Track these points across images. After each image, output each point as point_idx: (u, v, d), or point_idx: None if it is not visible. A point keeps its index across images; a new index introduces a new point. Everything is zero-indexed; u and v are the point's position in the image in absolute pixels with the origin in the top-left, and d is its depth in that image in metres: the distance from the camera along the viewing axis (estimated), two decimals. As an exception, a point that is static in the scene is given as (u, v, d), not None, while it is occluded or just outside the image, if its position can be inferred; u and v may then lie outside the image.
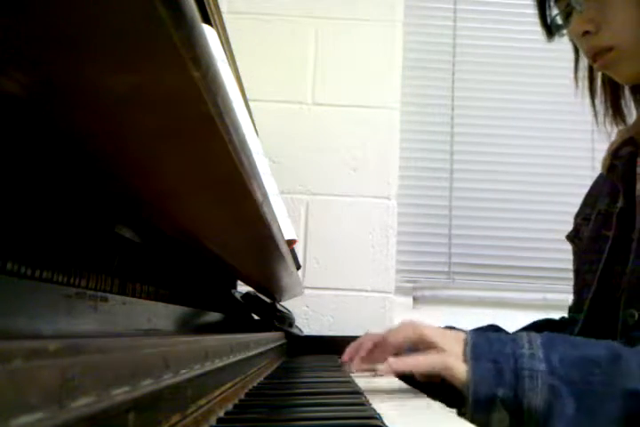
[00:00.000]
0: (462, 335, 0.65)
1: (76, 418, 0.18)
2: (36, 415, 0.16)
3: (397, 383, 0.72)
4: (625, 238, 0.81)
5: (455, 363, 0.62)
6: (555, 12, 0.85)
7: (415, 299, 1.63)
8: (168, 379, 0.30)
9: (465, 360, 0.62)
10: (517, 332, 0.73)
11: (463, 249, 1.66)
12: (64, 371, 0.18)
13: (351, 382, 0.67)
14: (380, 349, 0.69)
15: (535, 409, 0.59)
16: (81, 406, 0.19)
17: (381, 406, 0.48)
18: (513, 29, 1.71)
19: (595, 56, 0.81)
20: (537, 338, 0.64)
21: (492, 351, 0.62)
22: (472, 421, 0.47)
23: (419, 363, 0.63)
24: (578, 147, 1.66)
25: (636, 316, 0.75)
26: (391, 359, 0.63)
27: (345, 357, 0.82)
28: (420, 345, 0.65)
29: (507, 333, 0.82)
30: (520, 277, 1.65)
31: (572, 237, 0.96)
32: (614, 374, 0.59)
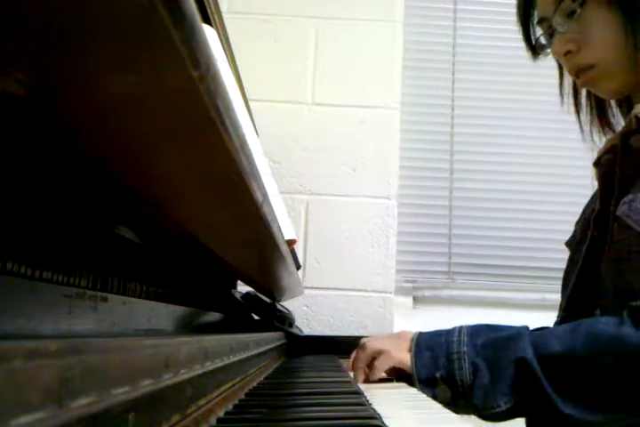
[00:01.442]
0: (411, 334, 0.84)
1: (76, 418, 0.18)
2: (36, 415, 0.16)
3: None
4: (603, 240, 0.84)
5: (402, 355, 0.80)
6: (538, 32, 0.90)
7: (415, 299, 1.63)
8: (168, 379, 0.30)
9: (410, 351, 0.80)
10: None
11: (463, 249, 1.66)
12: (64, 371, 0.18)
13: (351, 382, 0.67)
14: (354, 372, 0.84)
15: (465, 382, 0.76)
16: (81, 406, 0.19)
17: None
18: (513, 29, 1.71)
19: (577, 73, 0.85)
20: (465, 328, 0.81)
21: (430, 343, 0.81)
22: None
23: (377, 369, 0.81)
24: (578, 147, 1.66)
25: (598, 315, 0.79)
26: (360, 380, 0.81)
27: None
28: (375, 355, 0.82)
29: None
30: (520, 277, 1.65)
31: (570, 243, 0.98)
32: (511, 348, 0.75)
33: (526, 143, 1.70)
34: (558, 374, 0.72)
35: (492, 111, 1.73)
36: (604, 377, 0.70)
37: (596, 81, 0.84)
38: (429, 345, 0.80)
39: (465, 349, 0.78)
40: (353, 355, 0.89)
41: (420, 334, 0.83)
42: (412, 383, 0.78)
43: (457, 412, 0.73)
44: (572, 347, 0.72)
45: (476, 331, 0.81)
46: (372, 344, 0.84)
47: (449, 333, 0.81)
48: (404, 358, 0.80)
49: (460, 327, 0.82)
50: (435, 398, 0.74)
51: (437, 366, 0.78)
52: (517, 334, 0.77)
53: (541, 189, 1.68)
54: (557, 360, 0.73)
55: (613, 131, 0.94)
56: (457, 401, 0.77)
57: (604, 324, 0.73)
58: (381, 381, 0.82)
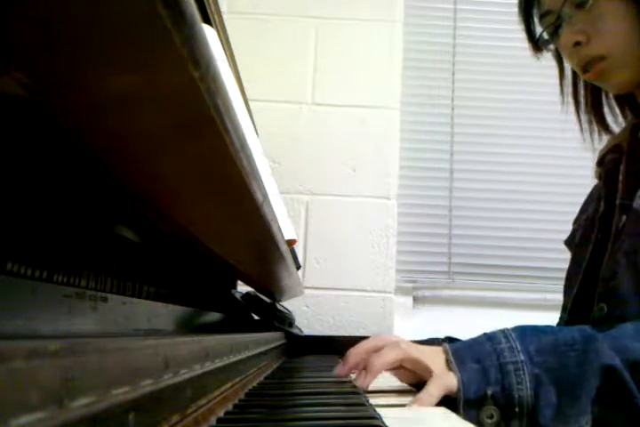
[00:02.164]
0: (439, 347, 0.67)
1: (76, 418, 0.18)
2: (36, 415, 0.16)
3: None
4: (607, 241, 0.83)
5: (442, 375, 0.63)
6: (539, 28, 0.88)
7: (415, 299, 1.63)
8: (168, 379, 0.30)
9: (449, 368, 0.64)
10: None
11: (463, 249, 1.66)
12: (64, 371, 0.18)
13: (351, 382, 0.67)
14: (365, 369, 0.66)
15: (524, 401, 0.61)
16: (81, 406, 0.19)
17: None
18: (513, 29, 1.71)
19: (586, 66, 0.83)
20: (511, 332, 0.67)
21: (473, 352, 0.65)
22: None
23: (429, 400, 0.61)
24: (578, 147, 1.66)
25: (605, 309, 0.77)
26: (369, 380, 0.64)
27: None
28: (404, 364, 0.66)
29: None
30: (520, 277, 1.65)
31: (569, 241, 0.97)
32: (588, 353, 0.62)
33: (526, 143, 1.70)
34: None
35: (492, 111, 1.73)
36: None
37: (605, 74, 0.82)
38: (474, 355, 0.64)
39: (522, 357, 0.63)
40: (357, 352, 0.71)
41: (455, 344, 0.68)
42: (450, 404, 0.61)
43: None
44: None
45: (523, 334, 0.66)
46: (406, 348, 0.67)
47: (491, 338, 0.66)
48: (443, 377, 0.63)
49: (504, 331, 0.67)
50: (479, 424, 0.60)
51: (488, 381, 0.62)
52: (587, 336, 0.64)
53: (541, 189, 1.68)
54: None
55: (610, 131, 0.93)
56: (509, 423, 0.62)
57: None
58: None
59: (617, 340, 0.63)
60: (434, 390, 0.61)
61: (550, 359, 0.63)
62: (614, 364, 0.60)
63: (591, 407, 0.60)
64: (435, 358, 0.65)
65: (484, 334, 0.69)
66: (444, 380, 0.62)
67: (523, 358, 0.63)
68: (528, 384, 0.62)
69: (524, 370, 0.62)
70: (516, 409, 0.61)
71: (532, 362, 0.63)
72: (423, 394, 0.60)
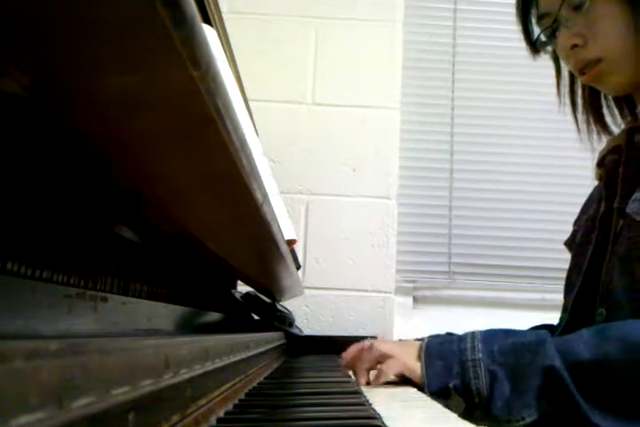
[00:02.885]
0: (418, 342, 0.79)
1: (76, 418, 0.18)
2: (36, 415, 0.16)
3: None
4: (607, 243, 0.83)
5: (411, 362, 0.75)
6: (537, 30, 0.88)
7: (415, 299, 1.63)
8: (168, 379, 0.30)
9: (420, 360, 0.75)
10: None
11: (463, 249, 1.66)
12: (64, 371, 0.18)
13: (351, 382, 0.67)
14: (356, 372, 0.80)
15: (481, 393, 0.70)
16: (81, 406, 0.19)
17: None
18: (513, 29, 1.71)
19: (583, 69, 0.83)
20: (478, 334, 0.76)
21: (442, 350, 0.75)
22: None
23: (384, 374, 0.75)
24: (578, 147, 1.66)
25: (604, 314, 0.78)
26: (362, 382, 0.77)
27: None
28: (381, 359, 0.77)
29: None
30: (520, 277, 1.65)
31: (570, 242, 0.97)
32: (537, 354, 0.70)
33: (526, 143, 1.70)
34: (589, 382, 0.67)
35: (492, 111, 1.73)
36: None
37: (602, 76, 0.82)
38: (441, 353, 0.75)
39: (480, 355, 0.72)
40: (349, 353, 0.85)
41: (430, 342, 0.78)
42: (421, 389, 0.73)
43: (474, 422, 0.70)
44: (605, 354, 0.67)
45: (491, 336, 0.75)
46: (379, 347, 0.79)
47: (461, 339, 0.76)
48: (413, 365, 0.75)
49: (473, 333, 0.76)
50: (448, 408, 0.69)
51: (450, 376, 0.72)
52: (540, 340, 0.72)
53: (541, 189, 1.68)
54: (588, 368, 0.68)
55: (609, 131, 0.93)
56: (472, 412, 0.71)
57: (637, 329, 0.69)
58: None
59: (566, 343, 0.70)
60: (389, 370, 0.75)
61: (509, 359, 0.71)
62: (555, 365, 0.68)
63: (537, 403, 0.68)
64: (409, 351, 0.77)
65: (459, 335, 0.78)
66: (407, 363, 0.75)
67: (481, 356, 0.72)
68: (484, 379, 0.71)
69: (480, 367, 0.71)
70: (476, 400, 0.70)
71: (493, 360, 0.72)
72: (378, 371, 0.75)
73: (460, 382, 0.71)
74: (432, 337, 0.80)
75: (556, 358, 0.68)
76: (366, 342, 0.83)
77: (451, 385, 0.71)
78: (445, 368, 0.73)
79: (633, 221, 0.77)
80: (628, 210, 0.78)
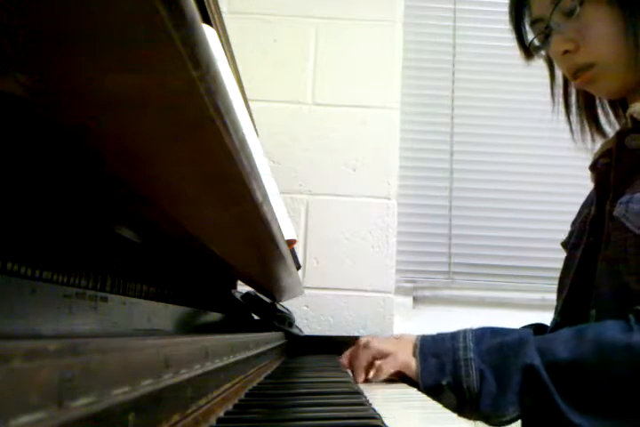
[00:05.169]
0: (413, 338, 0.82)
1: (76, 418, 0.18)
2: (35, 415, 0.16)
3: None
4: (598, 245, 0.83)
5: (407, 360, 0.78)
6: (531, 34, 0.89)
7: (415, 299, 1.63)
8: (168, 379, 0.30)
9: (415, 356, 0.78)
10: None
11: (463, 249, 1.66)
12: (64, 371, 0.18)
13: (351, 382, 0.67)
14: (353, 369, 0.83)
15: (472, 390, 0.74)
16: (81, 406, 0.19)
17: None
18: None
19: (575, 74, 0.84)
20: (470, 333, 0.79)
21: (436, 348, 0.79)
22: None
23: (381, 371, 0.78)
24: (578, 147, 1.66)
25: (595, 315, 0.79)
26: (360, 379, 0.80)
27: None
28: (378, 356, 0.80)
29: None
30: (520, 277, 1.65)
31: (566, 243, 0.97)
32: (518, 353, 0.73)
33: (526, 143, 1.70)
34: (566, 381, 0.70)
35: (492, 111, 1.73)
36: (614, 385, 0.68)
37: (594, 81, 0.83)
38: (435, 351, 0.78)
39: (471, 355, 0.76)
40: (348, 352, 0.88)
41: (423, 339, 0.81)
42: (415, 385, 0.76)
43: (464, 417, 0.74)
44: (581, 354, 0.70)
45: (481, 335, 0.79)
46: (376, 345, 0.82)
47: (454, 338, 0.79)
48: (409, 362, 0.78)
49: (465, 332, 0.80)
50: (440, 403, 0.72)
51: (444, 373, 0.76)
52: (522, 339, 0.76)
53: (541, 189, 1.68)
54: (565, 368, 0.71)
55: (603, 134, 0.93)
56: (463, 408, 0.75)
57: (612, 330, 0.71)
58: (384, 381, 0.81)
59: (546, 342, 0.74)
60: (387, 366, 0.78)
61: (495, 358, 0.75)
62: (534, 364, 0.71)
63: (518, 400, 0.72)
64: (404, 348, 0.80)
65: (451, 332, 0.81)
66: (403, 360, 0.78)
67: (472, 355, 0.76)
68: (474, 377, 0.74)
69: (472, 366, 0.75)
70: (467, 396, 0.74)
71: (482, 360, 0.76)
72: (376, 368, 0.78)
73: (453, 380, 0.75)
74: (424, 335, 0.83)
75: (536, 357, 0.72)
76: (362, 340, 0.85)
77: (444, 382, 0.75)
78: (439, 366, 0.77)
79: (619, 224, 0.77)
80: (614, 213, 0.78)
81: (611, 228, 0.80)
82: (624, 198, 0.78)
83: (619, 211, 0.78)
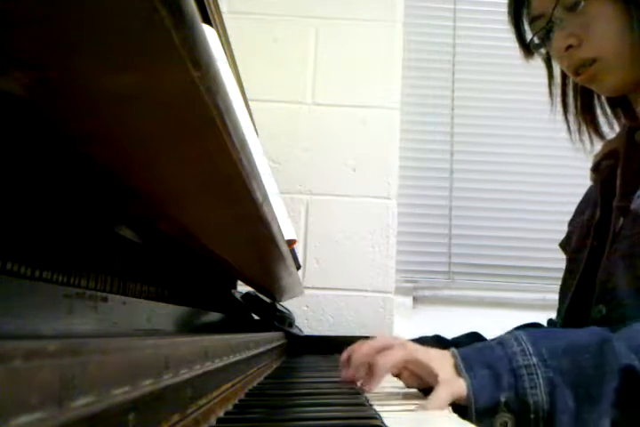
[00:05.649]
0: (447, 351, 0.63)
1: (76, 418, 0.18)
2: (35, 415, 0.16)
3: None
4: (603, 248, 0.82)
5: (451, 380, 0.59)
6: (530, 32, 0.88)
7: (415, 299, 1.63)
8: (168, 379, 0.30)
9: (458, 373, 0.59)
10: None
11: (463, 249, 1.66)
12: (64, 371, 0.18)
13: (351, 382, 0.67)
14: (369, 370, 0.63)
15: (539, 406, 0.57)
16: (81, 406, 0.19)
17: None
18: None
19: (578, 69, 0.83)
20: (522, 334, 0.63)
21: (484, 357, 0.61)
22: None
23: (438, 404, 0.56)
24: (578, 147, 1.66)
25: (604, 311, 0.77)
26: (371, 388, 0.60)
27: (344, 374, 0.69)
28: (409, 366, 0.62)
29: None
30: (520, 277, 1.65)
31: (564, 244, 0.97)
32: (605, 354, 0.59)
33: (526, 143, 1.70)
34: None
35: (492, 111, 1.73)
36: None
37: (597, 76, 0.82)
38: (484, 360, 0.60)
39: (535, 360, 0.59)
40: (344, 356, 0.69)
41: (461, 349, 0.63)
42: (458, 408, 0.57)
43: None
44: None
45: (534, 337, 0.63)
46: (419, 355, 0.62)
47: (502, 343, 0.63)
48: (451, 382, 0.58)
49: (515, 334, 0.64)
50: None
51: (501, 387, 0.58)
52: (602, 337, 0.61)
53: (542, 189, 1.68)
54: None
55: (601, 135, 0.93)
56: None
57: None
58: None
59: (632, 340, 0.60)
60: (443, 394, 0.57)
61: (564, 362, 0.59)
62: (633, 364, 0.58)
63: (614, 411, 0.57)
64: (442, 363, 0.61)
65: (494, 339, 0.66)
66: (453, 385, 0.58)
67: (535, 361, 0.59)
68: (542, 388, 0.58)
69: (537, 373, 0.58)
70: (532, 416, 0.57)
71: (546, 365, 0.59)
72: (433, 398, 0.56)
73: (514, 395, 0.58)
74: (439, 341, 0.71)
75: (633, 357, 0.58)
76: (386, 339, 0.66)
77: (502, 399, 0.58)
78: (494, 378, 0.59)
79: (636, 217, 0.76)
80: (633, 206, 0.77)
81: (624, 222, 0.79)
82: None
83: (637, 204, 0.77)
